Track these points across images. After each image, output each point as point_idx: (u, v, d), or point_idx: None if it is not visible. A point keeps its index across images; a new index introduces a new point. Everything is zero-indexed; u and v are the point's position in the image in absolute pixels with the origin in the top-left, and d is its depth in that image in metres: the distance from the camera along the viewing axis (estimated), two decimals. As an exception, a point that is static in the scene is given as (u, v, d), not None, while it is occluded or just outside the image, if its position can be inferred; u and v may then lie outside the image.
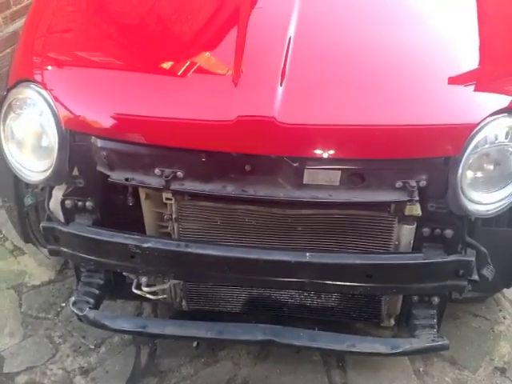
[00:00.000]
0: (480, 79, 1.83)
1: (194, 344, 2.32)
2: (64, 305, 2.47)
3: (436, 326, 1.93)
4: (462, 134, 1.69)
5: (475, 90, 1.81)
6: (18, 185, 2.15)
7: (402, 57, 1.87)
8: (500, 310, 2.47)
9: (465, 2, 2.08)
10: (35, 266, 2.65)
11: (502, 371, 2.23)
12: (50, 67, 1.90)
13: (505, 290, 2.41)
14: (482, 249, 1.85)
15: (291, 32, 1.84)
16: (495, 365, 2.26)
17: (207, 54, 1.91)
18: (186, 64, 1.86)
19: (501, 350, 2.31)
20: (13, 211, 2.25)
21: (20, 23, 3.85)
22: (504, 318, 2.44)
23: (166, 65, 1.89)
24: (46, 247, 2.23)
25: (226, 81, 1.75)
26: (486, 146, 1.70)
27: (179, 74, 1.84)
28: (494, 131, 1.70)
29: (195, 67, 1.86)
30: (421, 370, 2.23)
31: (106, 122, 1.77)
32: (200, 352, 2.29)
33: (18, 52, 2.12)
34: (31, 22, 2.19)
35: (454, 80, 1.83)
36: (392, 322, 2.08)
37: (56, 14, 2.11)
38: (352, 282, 1.81)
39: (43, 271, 2.63)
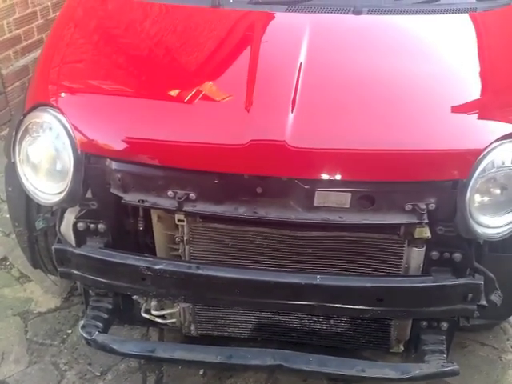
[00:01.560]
0: (485, 107, 1.89)
1: (201, 372, 2.29)
2: (70, 332, 2.46)
3: (445, 352, 1.93)
4: (469, 158, 1.73)
5: (481, 117, 1.87)
6: (30, 209, 2.18)
7: (409, 85, 1.94)
8: (508, 339, 2.46)
9: (468, 34, 2.17)
10: (41, 293, 2.65)
11: (512, 400, 2.22)
12: (65, 93, 1.96)
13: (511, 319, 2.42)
14: (490, 274, 1.87)
15: (301, 60, 1.91)
16: (504, 394, 2.24)
17: (220, 81, 1.97)
18: (200, 91, 1.91)
19: (509, 379, 2.29)
20: (23, 236, 2.27)
21: (30, 57, 3.95)
22: (512, 347, 2.44)
23: (180, 92, 1.94)
24: (53, 273, 2.26)
25: (239, 107, 1.80)
26: (493, 170, 1.74)
27: (192, 100, 1.89)
28: (501, 156, 1.75)
29: (208, 94, 1.92)
30: (430, 398, 2.21)
31: (120, 145, 1.81)
32: (207, 380, 2.27)
33: (34, 80, 2.19)
34: (47, 53, 2.26)
35: (461, 108, 1.89)
36: (401, 347, 2.07)
37: (70, 45, 2.20)
38: (362, 305, 1.82)
39: (49, 298, 2.62)
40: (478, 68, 2.04)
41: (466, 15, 2.22)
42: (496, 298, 1.91)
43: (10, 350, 2.37)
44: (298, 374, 2.20)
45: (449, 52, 2.11)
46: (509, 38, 2.27)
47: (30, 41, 3.95)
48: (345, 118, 1.81)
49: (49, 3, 4.10)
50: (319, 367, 1.85)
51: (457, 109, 1.88)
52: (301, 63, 1.91)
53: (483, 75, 2.01)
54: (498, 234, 1.77)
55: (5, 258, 2.83)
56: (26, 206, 2.18)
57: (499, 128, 1.82)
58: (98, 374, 2.29)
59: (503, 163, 1.75)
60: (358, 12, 2.14)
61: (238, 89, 1.88)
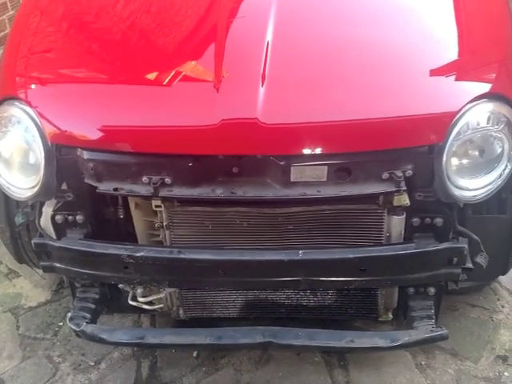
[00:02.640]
0: (460, 69, 1.86)
1: (195, 354, 2.30)
2: (62, 324, 2.46)
3: (434, 317, 1.94)
4: (443, 121, 1.71)
5: (455, 79, 1.84)
6: (9, 205, 2.16)
7: (380, 51, 1.89)
8: (498, 299, 2.47)
9: None
10: (31, 288, 2.64)
11: (504, 359, 2.23)
12: (33, 85, 1.92)
13: (502, 278, 2.43)
14: (474, 237, 1.87)
15: (269, 36, 1.87)
16: (497, 353, 2.25)
17: (188, 62, 1.93)
18: (168, 73, 1.88)
19: (501, 338, 2.31)
20: (5, 232, 2.25)
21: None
22: (502, 306, 2.44)
23: (148, 75, 1.90)
24: (40, 267, 2.24)
25: (208, 87, 1.77)
26: (469, 131, 1.72)
27: (161, 83, 1.86)
28: (476, 117, 1.73)
29: (177, 76, 1.88)
30: (423, 363, 2.22)
31: (91, 134, 1.78)
32: (201, 361, 2.28)
33: (0, 73, 2.13)
34: (12, 44, 2.20)
35: (434, 71, 1.85)
36: (390, 315, 2.08)
37: (37, 34, 2.13)
38: (346, 276, 1.82)
39: (39, 292, 2.62)
40: (452, 29, 1.98)
41: None
42: (482, 259, 1.91)
43: (3, 347, 2.38)
44: (289, 349, 2.20)
45: (421, 14, 2.06)
46: None
47: (1, 33, 3.90)
48: (316, 90, 1.78)
49: (18, -7, 4.04)
50: (309, 341, 1.86)
51: (430, 72, 1.85)
52: (269, 38, 1.86)
53: (458, 36, 1.96)
54: (475, 196, 1.76)
55: (-8, 255, 2.82)
56: (4, 202, 2.15)
57: (474, 89, 1.79)
58: (92, 364, 2.29)
59: (478, 124, 1.72)
60: (325, -19, 2.09)
61: (207, 68, 1.84)
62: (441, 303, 2.01)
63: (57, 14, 2.26)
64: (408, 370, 2.20)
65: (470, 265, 1.87)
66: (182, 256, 1.80)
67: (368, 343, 1.87)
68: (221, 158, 1.75)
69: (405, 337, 1.85)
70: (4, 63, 2.14)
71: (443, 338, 1.86)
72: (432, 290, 1.95)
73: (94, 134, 1.78)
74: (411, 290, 1.95)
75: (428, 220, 1.82)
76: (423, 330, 1.87)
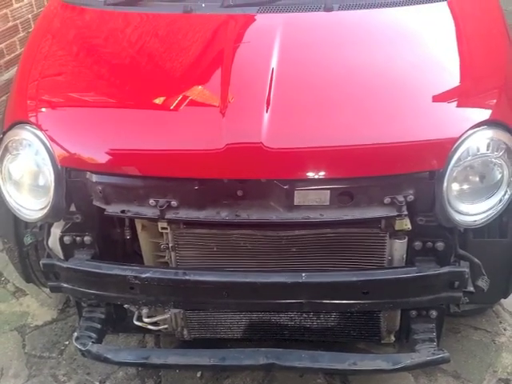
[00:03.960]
0: (461, 95, 1.90)
1: (199, 374, 2.32)
2: (67, 343, 2.48)
3: (436, 340, 1.95)
4: (444, 147, 1.75)
5: (456, 105, 1.88)
6: (18, 225, 2.19)
7: (383, 77, 1.94)
8: (500, 322, 2.48)
9: (443, 23, 2.16)
10: (37, 307, 2.67)
11: (506, 382, 2.23)
12: (43, 109, 1.98)
13: (504, 301, 2.43)
14: (476, 260, 1.89)
15: (274, 61, 1.92)
16: (499, 376, 2.26)
17: (195, 87, 1.98)
18: (176, 98, 1.93)
19: (503, 361, 2.32)
20: (13, 252, 2.28)
21: (14, 71, 3.94)
22: (505, 329, 2.45)
23: (155, 100, 1.95)
24: (47, 287, 2.27)
25: (214, 112, 1.82)
26: (469, 158, 1.76)
27: (169, 108, 1.91)
28: (476, 143, 1.76)
29: (184, 101, 1.93)
30: (425, 385, 2.24)
31: (100, 158, 1.83)
32: (205, 381, 2.29)
33: (12, 96, 2.19)
34: (24, 67, 2.27)
35: (436, 97, 1.90)
36: (392, 338, 2.09)
37: (48, 58, 2.19)
38: (349, 299, 1.85)
39: (45, 311, 2.65)
40: (454, 55, 2.03)
41: (444, 3, 2.19)
42: (483, 283, 1.93)
43: (9, 365, 2.40)
44: (292, 371, 2.22)
45: (423, 41, 2.11)
46: (486, 23, 2.27)
47: (12, 55, 3.96)
48: (319, 116, 1.82)
49: (29, 15, 4.11)
50: (311, 363, 1.87)
51: (431, 98, 1.89)
52: (274, 63, 1.91)
53: (460, 62, 2.00)
54: (476, 221, 1.79)
55: (-1, 274, 2.86)
56: (14, 222, 2.19)
57: (474, 115, 1.83)
58: (97, 383, 2.31)
59: (478, 150, 1.76)
60: (329, 9, 2.14)
61: (213, 94, 1.89)
62: (443, 326, 2.02)
63: (68, 39, 2.32)
64: (410, 393, 2.21)
65: (471, 288, 1.89)
66: (187, 277, 1.83)
67: (370, 365, 1.88)
68: (226, 182, 1.79)
69: (407, 359, 1.86)
70: (15, 87, 2.20)
71: (445, 360, 1.87)
72: (434, 313, 1.96)
73: (103, 158, 1.83)
74: (413, 312, 1.97)
75: (429, 244, 1.85)
76: (425, 352, 1.88)
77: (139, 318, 2.09)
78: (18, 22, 4.00)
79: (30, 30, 4.09)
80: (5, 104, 3.83)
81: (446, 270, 1.82)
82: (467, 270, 1.84)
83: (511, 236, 1.99)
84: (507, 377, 2.25)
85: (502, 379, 2.25)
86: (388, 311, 1.99)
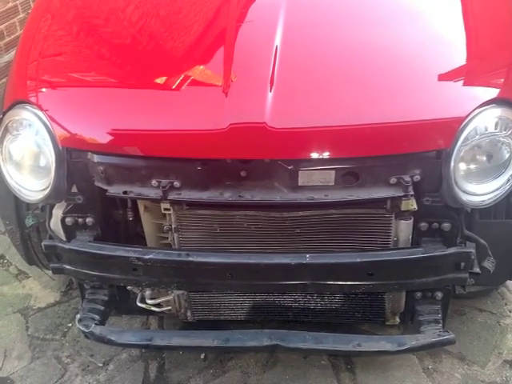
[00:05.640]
0: (468, 74, 1.86)
1: (202, 356, 2.32)
2: (70, 325, 2.48)
3: (441, 321, 1.94)
4: (451, 126, 1.72)
5: (463, 84, 1.84)
6: (19, 207, 2.17)
7: (389, 55, 1.90)
8: (505, 304, 2.47)
9: (450, 0, 2.11)
10: (40, 289, 2.67)
11: (511, 364, 2.23)
12: (44, 89, 1.94)
13: (509, 283, 2.43)
14: (482, 241, 1.86)
15: (277, 40, 1.88)
16: (504, 358, 2.25)
17: (197, 67, 1.95)
18: (178, 78, 1.89)
19: (508, 343, 2.31)
20: (15, 234, 2.27)
21: (14, 53, 3.91)
22: (510, 311, 2.44)
23: (158, 80, 1.92)
24: (49, 269, 2.26)
25: (217, 91, 1.78)
26: (477, 137, 1.73)
27: (171, 87, 1.88)
28: (484, 122, 1.73)
29: (187, 80, 1.89)
30: (430, 367, 2.23)
31: (101, 138, 1.80)
32: (208, 363, 2.29)
33: (11, 77, 2.16)
34: (23, 47, 2.23)
35: (443, 76, 1.86)
36: (397, 319, 2.08)
37: (48, 38, 2.15)
38: (354, 280, 1.83)
39: (48, 293, 2.64)
40: (461, 33, 1.99)
41: None
42: (489, 264, 1.91)
43: (13, 347, 2.40)
44: (296, 353, 2.21)
45: (430, 19, 2.07)
46: (493, 0, 2.23)
47: (12, 36, 3.92)
48: (324, 95, 1.79)
49: (29, -4, 4.07)
50: (316, 345, 1.87)
51: (439, 77, 1.86)
52: (277, 42, 1.87)
53: (467, 40, 1.96)
54: (483, 201, 1.76)
55: (2, 256, 2.85)
56: (15, 204, 2.17)
57: (482, 94, 1.79)
58: (101, 365, 2.31)
59: (486, 130, 1.73)
60: (334, -15, 2.10)
61: (216, 73, 1.86)
62: (448, 307, 2.01)
63: (67, 18, 2.29)
64: (415, 374, 2.21)
65: (477, 269, 1.87)
66: (190, 259, 1.81)
67: (375, 347, 1.87)
68: (229, 162, 1.76)
69: (412, 341, 1.85)
70: (15, 67, 2.17)
71: (450, 342, 1.86)
72: (439, 295, 1.95)
73: (104, 138, 1.80)
74: (418, 294, 1.95)
75: (436, 225, 1.82)
76: (430, 334, 1.87)
77: (142, 300, 2.07)
78: (17, 2, 3.95)
79: (30, 10, 4.04)
80: (5, 86, 3.83)
81: (452, 250, 1.80)
82: (473, 251, 1.81)
83: (518, 217, 1.97)
84: (512, 358, 2.25)
85: (507, 361, 2.24)
86: (393, 292, 1.98)
